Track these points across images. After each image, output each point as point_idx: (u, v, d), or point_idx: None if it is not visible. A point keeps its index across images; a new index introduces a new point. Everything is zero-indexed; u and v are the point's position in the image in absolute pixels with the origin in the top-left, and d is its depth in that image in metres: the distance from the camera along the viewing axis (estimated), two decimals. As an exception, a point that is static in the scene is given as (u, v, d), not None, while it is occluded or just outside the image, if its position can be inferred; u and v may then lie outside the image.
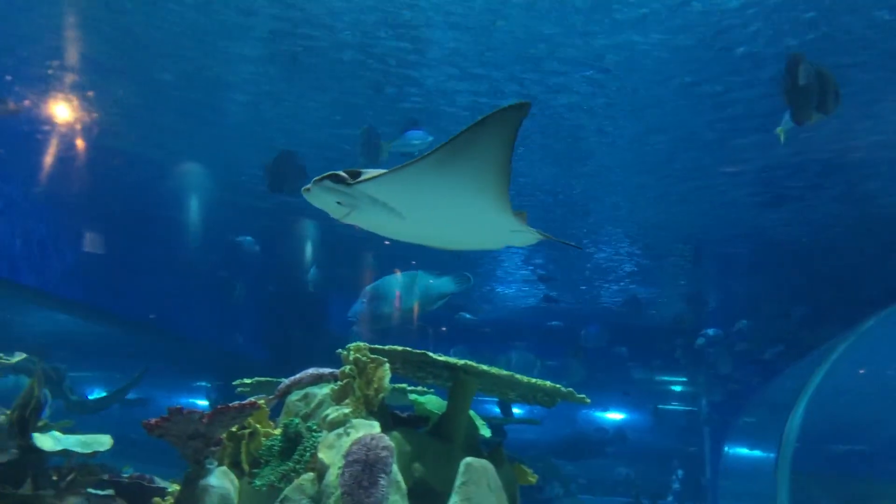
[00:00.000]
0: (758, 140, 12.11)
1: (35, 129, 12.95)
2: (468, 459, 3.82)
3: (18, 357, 5.44)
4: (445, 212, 4.09)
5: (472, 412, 4.82)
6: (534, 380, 4.27)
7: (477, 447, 4.65)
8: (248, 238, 15.44)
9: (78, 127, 13.03)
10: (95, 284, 16.30)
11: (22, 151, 13.49)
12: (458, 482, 3.74)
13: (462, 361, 4.23)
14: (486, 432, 5.20)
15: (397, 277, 11.79)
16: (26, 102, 12.14)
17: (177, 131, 13.33)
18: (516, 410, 14.83)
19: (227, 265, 17.37)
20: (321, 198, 4.06)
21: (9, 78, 11.72)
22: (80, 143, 13.59)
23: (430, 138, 10.38)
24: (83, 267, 15.92)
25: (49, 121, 12.72)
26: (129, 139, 13.67)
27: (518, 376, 4.22)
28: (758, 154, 12.63)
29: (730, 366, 19.18)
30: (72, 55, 11.33)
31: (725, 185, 13.94)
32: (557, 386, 4.33)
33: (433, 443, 4.27)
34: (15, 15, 10.41)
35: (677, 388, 25.17)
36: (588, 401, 4.42)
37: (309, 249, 17.31)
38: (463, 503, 3.69)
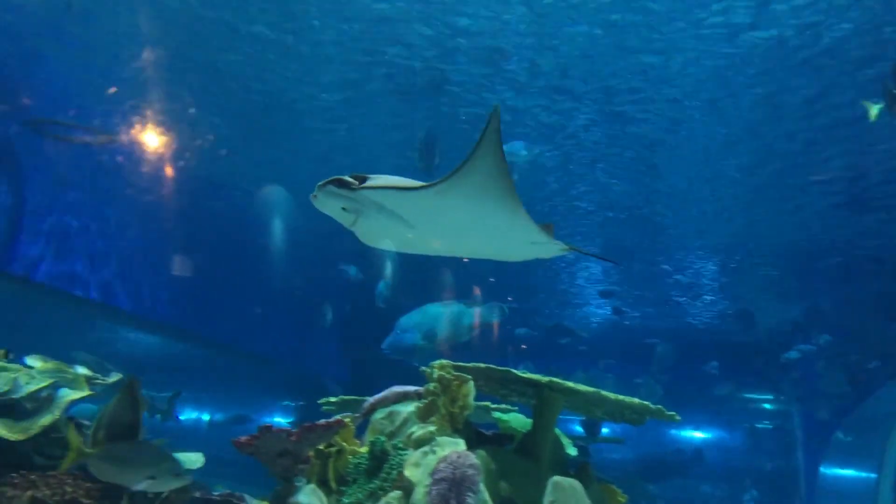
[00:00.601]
0: (846, 148, 11.71)
1: (128, 159, 13.49)
2: (556, 478, 3.76)
3: (115, 377, 5.62)
4: (456, 230, 4.00)
5: (557, 430, 4.76)
6: (621, 397, 4.18)
7: (564, 466, 4.57)
8: (353, 268, 15.69)
9: (169, 156, 13.52)
10: (186, 308, 16.81)
11: (116, 181, 14.05)
12: (546, 501, 3.69)
13: (547, 378, 4.18)
14: (571, 451, 5.12)
15: (432, 308, 11.76)
16: (120, 134, 12.66)
17: (262, 161, 13.69)
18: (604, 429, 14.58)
19: (313, 289, 17.67)
20: (327, 204, 3.95)
21: (102, 110, 12.26)
22: (170, 172, 14.10)
23: (526, 152, 10.40)
24: (174, 291, 16.44)
25: (141, 151, 13.23)
26: (219, 168, 14.13)
27: (605, 393, 4.14)
28: (846, 162, 12.21)
29: (835, 381, 18.38)
30: (161, 88, 11.81)
31: (813, 194, 13.49)
32: (646, 403, 4.23)
33: (519, 461, 4.22)
34: (107, 49, 10.89)
35: (767, 406, 24.27)
36: (678, 418, 4.30)
37: (388, 269, 17.47)
38: (552, 522, 3.63)
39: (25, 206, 13.40)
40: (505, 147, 3.57)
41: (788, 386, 20.98)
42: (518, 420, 5.25)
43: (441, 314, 11.58)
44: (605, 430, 14.68)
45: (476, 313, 11.59)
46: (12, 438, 4.55)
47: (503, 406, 5.44)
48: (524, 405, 5.06)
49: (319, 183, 3.91)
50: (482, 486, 3.55)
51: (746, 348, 20.41)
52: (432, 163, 10.78)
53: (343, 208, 3.92)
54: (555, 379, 4.17)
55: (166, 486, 3.60)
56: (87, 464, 3.62)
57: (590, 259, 17.80)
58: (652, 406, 4.25)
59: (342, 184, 3.85)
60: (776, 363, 19.39)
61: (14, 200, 13.10)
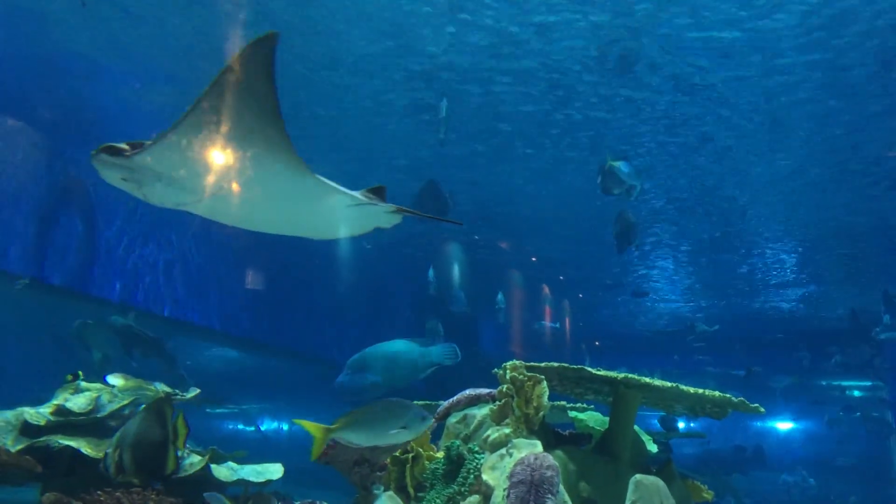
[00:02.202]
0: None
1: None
2: (638, 477, 3.66)
3: (193, 393, 5.73)
4: (239, 187, 3.54)
5: (636, 427, 4.64)
6: (701, 390, 4.04)
7: (645, 464, 4.46)
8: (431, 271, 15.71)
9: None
10: (260, 320, 17.10)
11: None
12: (628, 500, 3.59)
13: (622, 374, 4.08)
14: (652, 448, 5.00)
15: (384, 347, 11.58)
16: None
17: (325, 174, 13.83)
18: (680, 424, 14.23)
19: (385, 295, 17.80)
20: (107, 174, 3.47)
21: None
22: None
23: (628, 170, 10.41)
24: (247, 304, 16.74)
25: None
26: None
27: (683, 387, 4.01)
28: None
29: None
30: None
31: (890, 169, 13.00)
32: (728, 395, 4.08)
33: (598, 461, 4.13)
34: (167, 69, 11.17)
35: (857, 393, 23.35)
36: (762, 410, 4.13)
37: (455, 272, 17.48)
38: (636, 522, 3.53)
39: (98, 232, 13.80)
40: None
41: (883, 370, 20.14)
42: (595, 419, 5.15)
43: (393, 353, 11.42)
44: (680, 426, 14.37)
45: (432, 353, 11.45)
46: (97, 456, 4.67)
47: (579, 405, 5.35)
48: (601, 403, 4.96)
49: (92, 151, 3.42)
50: (561, 488, 3.47)
51: (835, 334, 19.75)
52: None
53: (122, 179, 3.47)
54: (630, 375, 4.06)
55: (418, 431, 3.58)
56: (336, 437, 3.61)
57: (667, 255, 17.41)
58: (734, 398, 4.10)
59: (114, 151, 3.37)
60: (868, 347, 18.67)
61: (87, 228, 13.51)
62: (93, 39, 10.59)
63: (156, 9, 9.93)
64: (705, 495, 4.40)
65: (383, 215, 4.05)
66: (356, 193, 3.88)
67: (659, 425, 13.82)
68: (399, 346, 11.45)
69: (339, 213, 3.92)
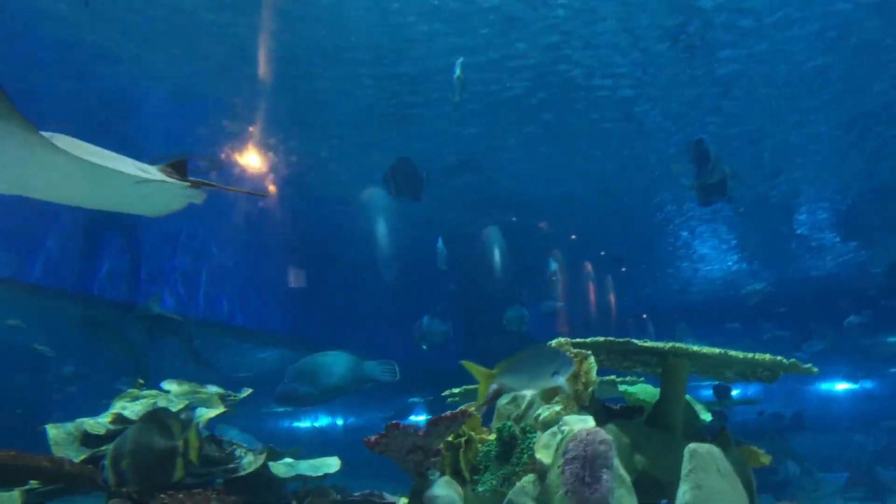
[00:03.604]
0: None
1: (233, 181, 14.00)
2: (692, 445, 3.63)
3: (245, 393, 5.82)
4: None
5: (688, 397, 4.61)
6: (750, 354, 3.99)
7: (699, 433, 4.42)
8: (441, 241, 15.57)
9: (272, 176, 13.96)
10: (304, 318, 17.28)
11: (225, 204, 14.58)
12: (684, 470, 3.56)
13: (669, 344, 4.05)
14: (706, 416, 4.96)
15: (324, 358, 11.49)
16: (223, 155, 13.13)
17: (359, 171, 13.96)
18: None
19: (427, 284, 17.87)
20: None
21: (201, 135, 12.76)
22: (273, 189, 14.54)
23: None
24: (289, 304, 16.92)
25: (246, 172, 13.70)
26: (319, 184, 14.52)
27: (733, 352, 3.96)
28: None
29: None
30: (264, 113, 12.25)
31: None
32: (778, 358, 4.02)
33: (652, 432, 4.11)
34: (216, 79, 11.33)
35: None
36: (815, 370, 4.07)
37: (495, 255, 17.47)
38: (693, 491, 3.50)
39: (140, 246, 14.02)
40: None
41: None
42: (646, 391, 5.13)
43: (328, 365, 11.33)
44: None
45: (370, 368, 11.38)
46: (196, 460, 4.76)
47: (629, 378, 5.33)
48: (650, 375, 4.93)
49: None
50: (616, 461, 3.46)
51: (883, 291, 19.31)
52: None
53: None
54: (678, 344, 4.03)
55: (566, 375, 3.63)
56: (495, 384, 3.70)
57: (714, 219, 17.14)
58: (785, 361, 4.04)
59: None
60: None
61: (129, 243, 13.75)
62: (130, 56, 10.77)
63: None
64: (763, 460, 4.36)
65: (183, 191, 3.96)
66: (151, 169, 3.81)
67: (712, 395, 13.70)
68: (335, 358, 11.38)
69: (123, 193, 3.80)
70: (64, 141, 3.51)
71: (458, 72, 9.55)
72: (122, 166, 3.67)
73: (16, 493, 4.65)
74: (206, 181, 4.04)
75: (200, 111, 12.29)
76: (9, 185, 3.56)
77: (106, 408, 5.31)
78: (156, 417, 4.56)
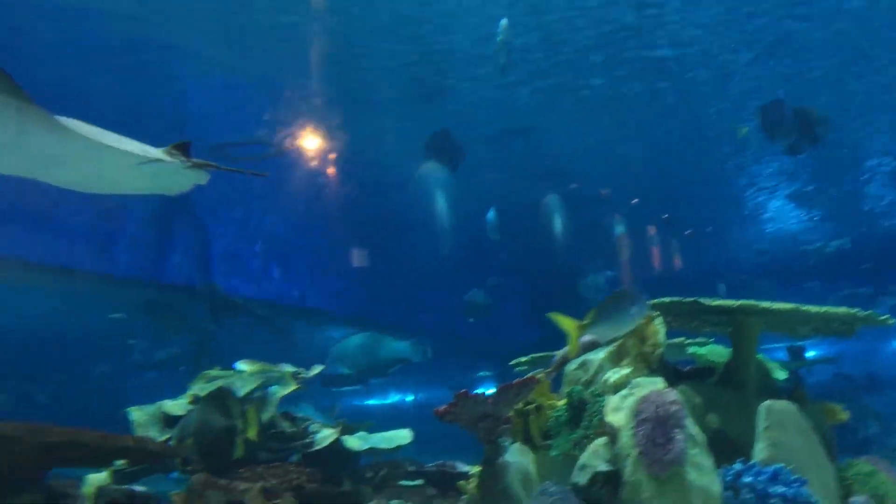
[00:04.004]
0: None
1: (298, 167, 14.19)
2: (768, 403, 3.58)
3: (316, 369, 5.94)
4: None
5: (761, 356, 4.52)
6: (825, 308, 3.88)
7: (773, 391, 4.34)
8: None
9: (332, 159, 14.12)
10: (370, 297, 17.46)
11: (290, 188, 14.79)
12: (760, 427, 3.51)
13: (738, 302, 3.97)
14: (780, 375, 4.86)
15: (359, 340, 11.46)
16: (287, 143, 13.31)
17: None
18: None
19: (490, 256, 17.87)
20: None
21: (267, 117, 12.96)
22: (332, 172, 14.68)
23: None
24: (357, 283, 17.11)
25: (309, 157, 13.88)
26: (377, 163, 14.61)
27: (806, 307, 3.86)
28: None
29: None
30: (317, 95, 12.36)
31: None
32: (853, 310, 3.90)
33: (724, 392, 4.06)
34: (268, 65, 11.48)
35: None
36: (892, 321, 3.93)
37: (558, 224, 17.34)
38: (769, 449, 3.46)
39: (208, 233, 14.32)
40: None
41: None
42: (716, 351, 5.04)
43: (365, 346, 11.34)
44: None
45: (403, 349, 11.34)
46: (255, 438, 4.91)
47: (699, 340, 5.25)
48: (720, 335, 4.85)
49: None
50: (689, 421, 3.43)
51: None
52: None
53: None
54: (747, 301, 3.94)
55: (643, 314, 3.73)
56: (585, 334, 3.82)
57: (784, 174, 16.67)
58: (860, 313, 3.92)
59: None
60: None
61: (197, 230, 14.06)
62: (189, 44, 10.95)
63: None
64: (840, 416, 4.26)
65: (185, 172, 3.95)
66: (154, 150, 3.81)
67: (786, 356, 13.39)
68: (369, 339, 11.50)
69: (127, 172, 3.80)
70: (71, 123, 3.54)
71: (501, 35, 9.33)
72: (125, 146, 3.71)
73: (105, 474, 4.85)
74: (205, 162, 4.03)
75: (255, 97, 12.46)
76: (15, 165, 3.59)
77: (184, 390, 5.49)
78: (217, 398, 4.70)
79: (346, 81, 12.18)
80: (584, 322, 3.75)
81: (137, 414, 5.15)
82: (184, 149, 3.93)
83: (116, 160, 3.71)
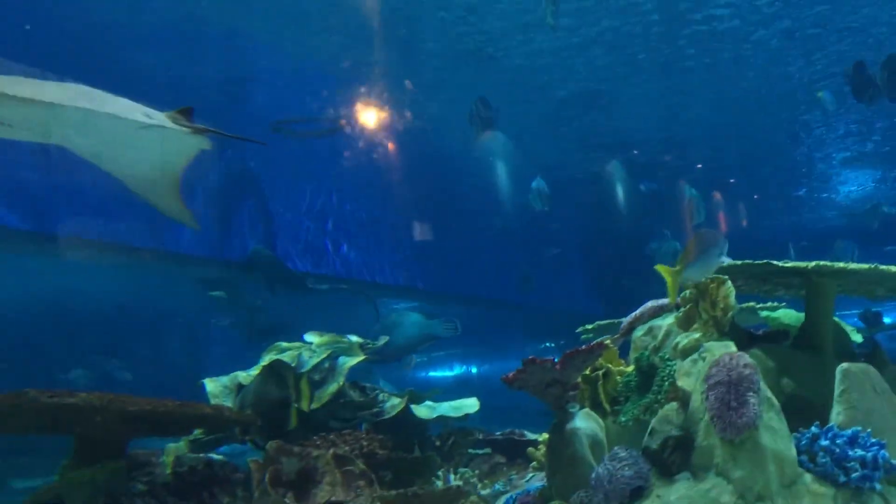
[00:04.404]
0: None
1: (358, 143, 14.31)
2: (844, 365, 3.49)
3: (383, 340, 6.02)
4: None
5: (836, 319, 4.40)
6: (904, 267, 3.76)
7: (850, 353, 4.23)
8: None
9: (392, 134, 14.21)
10: (434, 270, 17.55)
11: (353, 162, 14.92)
12: (837, 390, 3.43)
13: (812, 263, 3.86)
14: (857, 338, 4.74)
15: (397, 317, 11.48)
16: (342, 122, 13.41)
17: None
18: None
19: (552, 228, 17.80)
20: None
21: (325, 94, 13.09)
22: (392, 147, 14.75)
23: None
24: (421, 256, 17.20)
25: (366, 131, 13.97)
26: (438, 137, 14.67)
27: (883, 267, 3.74)
28: None
29: None
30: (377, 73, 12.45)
31: None
32: (938, 269, 3.76)
33: (799, 355, 3.97)
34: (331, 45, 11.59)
35: None
36: None
37: (620, 196, 17.14)
38: (848, 412, 3.37)
39: (273, 211, 14.55)
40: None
41: None
42: (789, 315, 4.93)
43: (400, 324, 11.25)
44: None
45: (432, 325, 11.28)
46: (307, 408, 5.02)
47: (770, 304, 5.14)
48: (794, 298, 4.74)
49: None
50: (762, 384, 3.36)
51: None
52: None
53: None
54: (822, 262, 3.84)
55: (725, 252, 3.81)
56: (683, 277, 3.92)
57: (859, 134, 16.10)
58: (946, 272, 3.77)
59: None
60: None
61: (261, 209, 14.29)
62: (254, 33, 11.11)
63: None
64: (923, 379, 4.12)
65: (189, 137, 3.92)
66: (158, 115, 3.81)
67: (860, 323, 13.01)
68: (405, 317, 11.55)
69: (131, 138, 3.82)
70: (78, 89, 3.66)
71: None
72: (128, 112, 3.76)
73: (182, 443, 5.02)
74: (207, 127, 4.02)
75: (318, 76, 12.59)
76: (26, 130, 3.69)
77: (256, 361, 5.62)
78: (273, 369, 4.81)
79: (404, 54, 12.20)
80: (677, 268, 3.75)
81: (212, 385, 5.29)
82: (187, 114, 3.96)
83: (119, 126, 3.75)
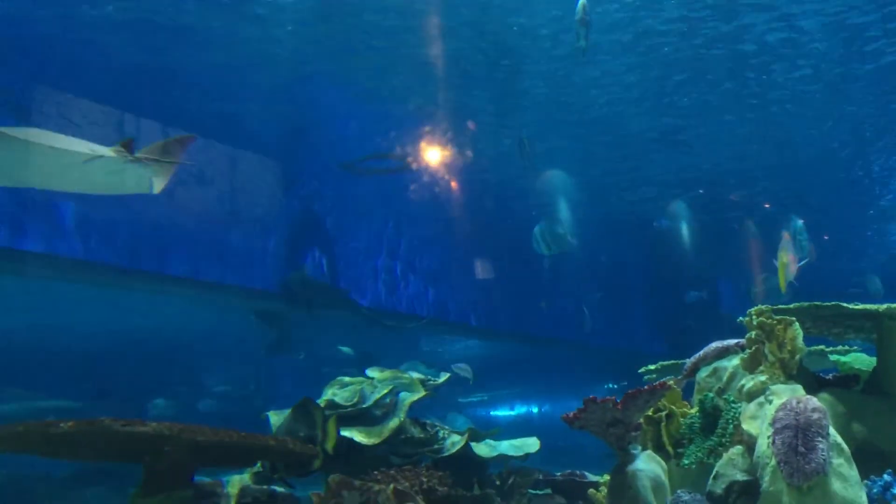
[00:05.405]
0: None
1: (420, 180, 14.50)
2: (918, 411, 3.39)
3: (444, 377, 6.04)
4: None
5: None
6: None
7: (925, 400, 4.09)
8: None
9: (453, 170, 14.37)
10: (497, 308, 17.54)
11: (412, 203, 15.11)
12: (911, 437, 3.33)
13: (885, 306, 3.77)
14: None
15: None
16: (409, 159, 13.64)
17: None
18: None
19: (615, 267, 17.68)
20: None
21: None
22: (454, 185, 14.89)
23: None
24: (484, 295, 17.22)
25: (430, 168, 14.16)
26: (500, 175, 14.79)
27: (958, 310, 3.63)
28: None
29: None
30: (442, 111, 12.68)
31: None
32: None
33: (871, 401, 3.86)
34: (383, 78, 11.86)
35: None
36: None
37: (686, 236, 16.93)
38: (922, 460, 3.26)
39: (336, 251, 14.81)
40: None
41: None
42: (861, 360, 4.80)
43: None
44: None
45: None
46: (369, 443, 5.06)
47: (841, 348, 5.01)
48: (865, 342, 4.62)
49: None
50: (832, 430, 3.28)
51: None
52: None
53: None
54: (893, 305, 3.74)
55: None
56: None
57: None
58: None
59: None
60: None
61: (326, 249, 14.57)
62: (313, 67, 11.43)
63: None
64: None
65: (142, 170, 4.29)
66: (104, 149, 4.14)
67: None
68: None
69: (80, 171, 4.23)
70: (31, 132, 4.12)
71: (579, 13, 8.49)
72: (74, 146, 4.15)
73: (246, 475, 5.11)
74: (149, 156, 4.44)
75: (384, 116, 12.87)
76: None
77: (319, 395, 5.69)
78: (303, 408, 4.87)
79: (465, 94, 12.39)
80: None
81: (276, 418, 5.38)
82: (128, 146, 4.32)
83: (65, 159, 4.17)
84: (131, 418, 3.58)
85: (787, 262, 3.57)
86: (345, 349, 14.33)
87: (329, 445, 4.82)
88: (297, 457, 4.32)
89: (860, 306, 3.83)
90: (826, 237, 17.80)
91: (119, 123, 10.73)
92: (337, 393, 5.53)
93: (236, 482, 4.96)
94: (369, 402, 5.40)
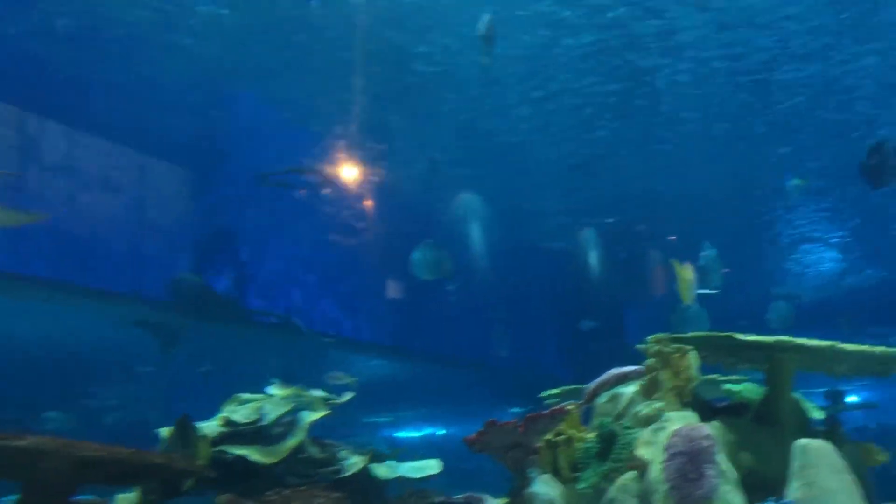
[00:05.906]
0: None
1: (332, 194, 14.40)
2: (802, 441, 3.51)
3: (347, 396, 5.96)
4: None
5: (798, 395, 4.44)
6: (862, 347, 3.81)
7: (809, 431, 4.25)
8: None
9: (367, 186, 14.31)
10: (402, 327, 17.49)
11: (320, 217, 14.97)
12: (794, 466, 3.44)
13: (773, 338, 3.90)
14: (817, 415, 4.77)
15: None
16: (326, 169, 13.54)
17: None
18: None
19: (523, 290, 17.86)
20: None
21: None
22: (368, 203, 14.85)
23: None
24: (389, 312, 17.16)
25: (344, 184, 14.09)
26: (409, 190, 14.76)
27: (842, 345, 3.79)
28: None
29: None
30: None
31: None
32: (891, 350, 3.83)
33: (758, 429, 3.98)
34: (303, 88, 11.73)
35: None
36: None
37: (593, 264, 17.28)
38: (804, 488, 3.37)
39: (246, 262, 14.53)
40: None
41: None
42: (752, 389, 4.95)
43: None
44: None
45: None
46: (266, 462, 4.93)
47: (734, 377, 5.17)
48: (757, 372, 4.77)
49: None
50: (721, 457, 3.37)
51: None
52: None
53: None
54: (783, 338, 3.88)
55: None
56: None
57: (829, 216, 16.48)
58: (898, 353, 3.84)
59: None
60: None
61: (235, 260, 14.27)
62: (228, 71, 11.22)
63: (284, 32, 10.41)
64: (879, 458, 4.15)
65: None
66: None
67: (824, 401, 13.12)
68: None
69: None
70: None
71: (481, 29, 8.29)
72: None
73: (134, 494, 4.89)
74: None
75: (300, 130, 12.75)
76: None
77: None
78: (181, 426, 4.73)
79: (381, 118, 12.43)
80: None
81: (166, 434, 5.19)
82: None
83: None
84: (8, 432, 3.37)
85: (687, 276, 3.69)
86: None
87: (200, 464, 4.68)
88: (185, 474, 4.16)
89: (751, 337, 3.95)
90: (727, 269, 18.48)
91: (20, 123, 10.32)
92: (236, 410, 5.38)
93: (121, 501, 4.75)
94: (269, 421, 5.28)
